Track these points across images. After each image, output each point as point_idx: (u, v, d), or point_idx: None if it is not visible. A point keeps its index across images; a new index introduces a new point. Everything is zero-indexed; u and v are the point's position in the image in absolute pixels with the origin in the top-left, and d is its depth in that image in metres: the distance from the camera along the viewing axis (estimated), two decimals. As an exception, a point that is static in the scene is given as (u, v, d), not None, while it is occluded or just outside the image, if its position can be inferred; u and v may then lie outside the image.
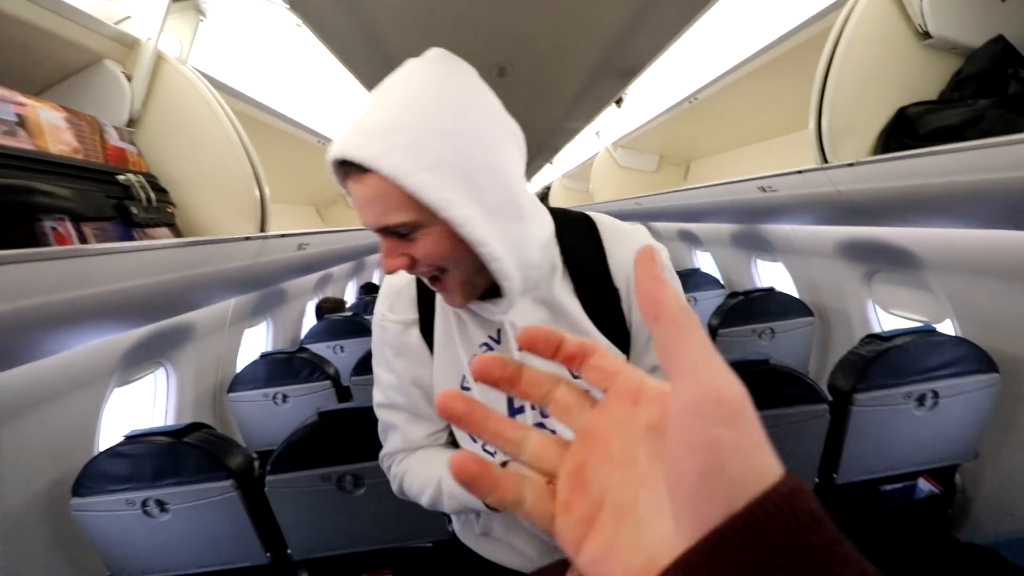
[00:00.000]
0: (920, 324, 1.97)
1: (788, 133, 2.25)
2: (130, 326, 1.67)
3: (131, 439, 1.83)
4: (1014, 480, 2.01)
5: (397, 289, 0.95)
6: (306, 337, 3.71)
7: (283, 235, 1.28)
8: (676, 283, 0.91)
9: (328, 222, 3.37)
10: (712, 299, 3.76)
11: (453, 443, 1.00)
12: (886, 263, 2.43)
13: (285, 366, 2.86)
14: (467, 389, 0.91)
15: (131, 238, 1.02)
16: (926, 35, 1.09)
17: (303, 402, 2.86)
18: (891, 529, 2.10)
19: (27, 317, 0.74)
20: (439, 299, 0.92)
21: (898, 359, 1.82)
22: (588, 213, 0.95)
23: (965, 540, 2.00)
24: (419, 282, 0.94)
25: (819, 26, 1.37)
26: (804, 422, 1.76)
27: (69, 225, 0.84)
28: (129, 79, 1.15)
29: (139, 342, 2.20)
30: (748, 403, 0.25)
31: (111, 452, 1.79)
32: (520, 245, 0.76)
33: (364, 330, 3.62)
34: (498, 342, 0.90)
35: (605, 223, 0.93)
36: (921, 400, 1.84)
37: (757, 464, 0.24)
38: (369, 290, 5.84)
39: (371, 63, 1.49)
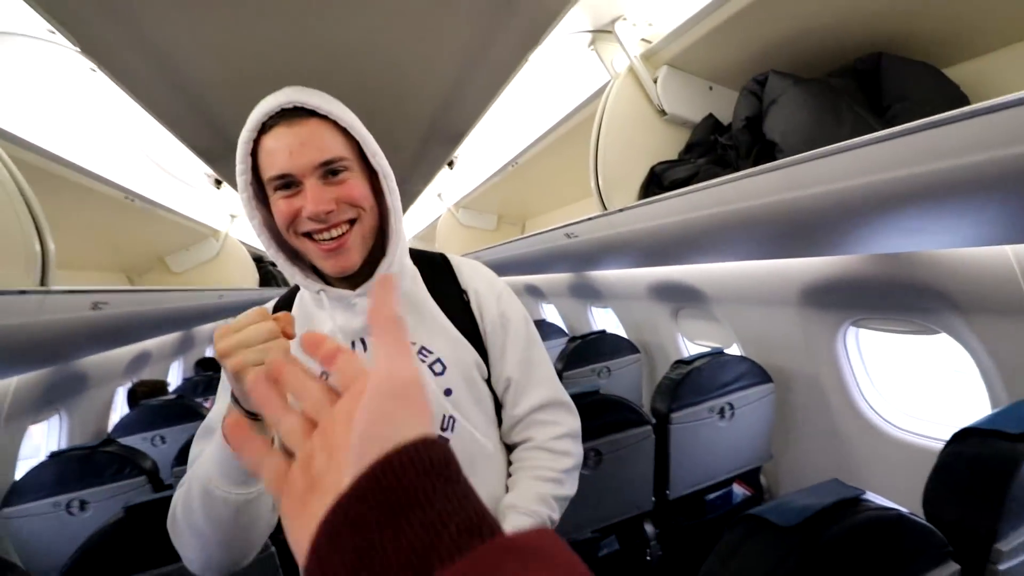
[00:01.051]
0: (712, 348, 2.36)
1: (583, 199, 2.63)
2: None
3: (54, 455, 1.48)
4: (799, 470, 2.44)
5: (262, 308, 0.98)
6: (115, 429, 3.14)
7: (71, 291, 1.12)
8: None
9: (143, 293, 2.99)
10: (558, 346, 4.06)
11: None
12: (685, 300, 2.90)
13: (82, 465, 2.37)
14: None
15: None
16: (663, 112, 1.46)
17: (108, 506, 2.37)
18: (717, 537, 2.39)
19: None
20: (296, 313, 0.96)
21: (699, 379, 2.15)
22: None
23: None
24: (276, 307, 1.01)
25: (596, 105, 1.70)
26: (634, 444, 1.97)
27: None
28: None
29: None
30: (414, 385, 0.36)
31: (39, 467, 1.62)
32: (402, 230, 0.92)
33: (192, 414, 3.17)
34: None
35: (454, 257, 1.12)
36: (722, 412, 2.17)
37: (403, 429, 0.33)
38: (206, 366, 5.16)
39: (187, 117, 1.45)
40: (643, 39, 1.41)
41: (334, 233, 0.85)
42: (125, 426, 3.15)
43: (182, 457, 2.45)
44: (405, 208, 5.71)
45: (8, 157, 1.02)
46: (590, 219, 1.45)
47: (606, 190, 1.35)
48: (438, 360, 0.97)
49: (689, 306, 2.91)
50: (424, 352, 0.97)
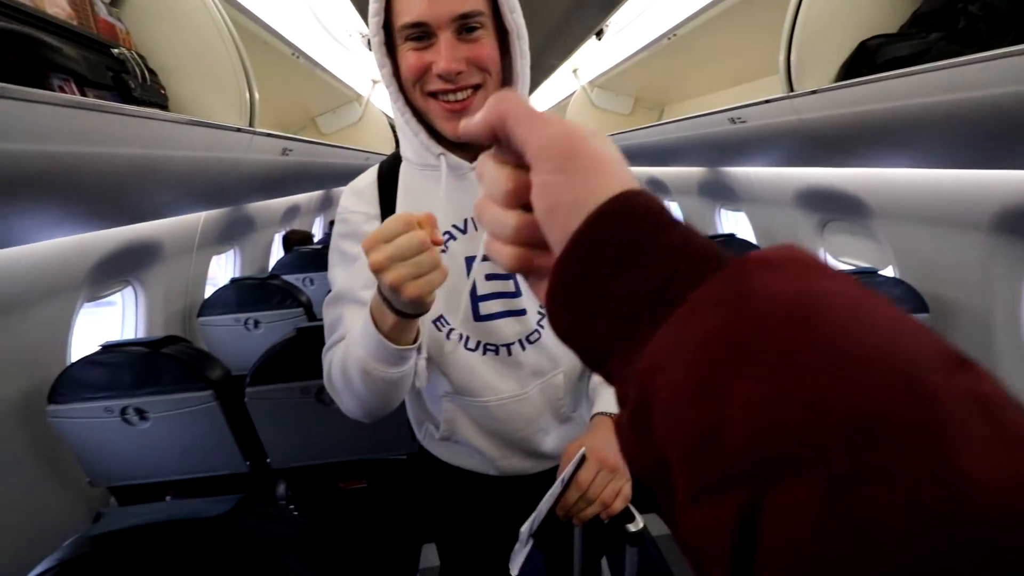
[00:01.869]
0: (862, 267, 2.14)
1: (759, 78, 2.31)
2: (106, 220, 1.62)
3: (107, 348, 1.84)
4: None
5: (360, 189, 0.99)
6: (275, 268, 3.66)
7: (271, 134, 1.27)
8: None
9: (298, 149, 3.28)
10: (677, 246, 3.90)
11: None
12: (839, 212, 2.59)
13: (257, 292, 2.85)
14: None
15: (128, 114, 1.01)
16: None
17: (275, 328, 2.86)
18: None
19: (17, 163, 0.73)
20: (401, 193, 0.96)
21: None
22: None
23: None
24: (380, 182, 0.98)
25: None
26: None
27: (74, 86, 0.84)
28: None
29: (107, 256, 2.16)
30: (579, 143, 0.32)
31: (88, 360, 1.79)
32: None
33: (335, 263, 3.60)
34: (463, 231, 0.94)
35: None
36: (855, 334, 2.02)
37: (592, 188, 0.31)
38: None
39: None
40: None
41: (459, 96, 0.82)
42: (283, 266, 3.66)
43: (330, 298, 2.83)
44: (533, 84, 5.45)
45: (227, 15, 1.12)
46: (768, 102, 1.28)
47: (798, 67, 1.16)
48: None
49: (842, 218, 2.61)
50: None
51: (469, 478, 1.08)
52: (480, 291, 0.94)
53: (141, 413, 1.84)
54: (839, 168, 2.15)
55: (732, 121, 1.53)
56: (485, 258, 0.90)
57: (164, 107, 1.14)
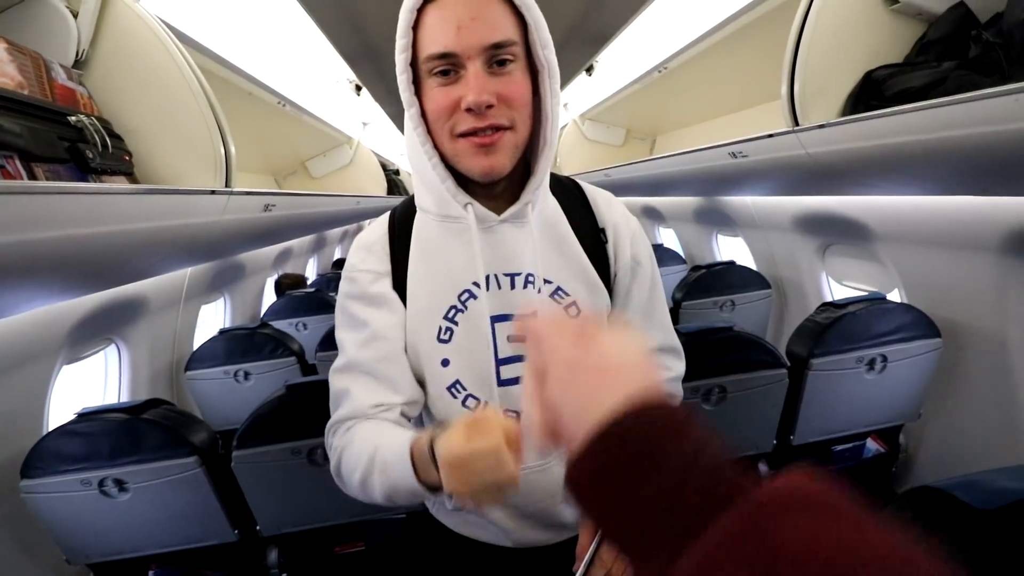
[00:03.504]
0: (871, 293, 2.08)
1: (752, 106, 2.30)
2: (80, 290, 1.56)
3: (84, 416, 1.75)
4: (952, 439, 2.17)
5: (369, 244, 0.93)
6: (266, 314, 3.58)
7: (249, 192, 1.21)
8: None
9: (288, 193, 3.24)
10: (675, 274, 3.86)
11: (408, 419, 0.93)
12: (839, 236, 2.55)
13: (246, 342, 2.76)
14: (444, 341, 0.87)
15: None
16: (893, 0, 1.13)
17: (266, 379, 2.77)
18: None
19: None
20: (415, 248, 0.90)
21: (851, 325, 1.92)
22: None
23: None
24: (392, 236, 0.92)
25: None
26: (764, 387, 1.84)
27: (18, 163, 0.77)
28: (75, 15, 1.04)
29: (88, 315, 2.07)
30: (578, 364, 0.41)
31: (62, 431, 1.71)
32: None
33: (327, 307, 3.53)
34: (486, 288, 0.87)
35: (586, 184, 1.00)
36: (871, 364, 1.95)
37: (588, 403, 0.38)
38: (338, 265, 5.69)
39: (340, 21, 1.42)
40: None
41: (488, 132, 0.75)
42: (275, 312, 3.59)
43: (323, 344, 2.75)
44: None
45: (197, 66, 1.07)
46: (771, 136, 1.23)
47: (802, 100, 1.12)
48: (573, 304, 0.89)
49: (843, 242, 2.56)
50: (560, 293, 0.89)
51: (481, 549, 1.00)
52: (502, 353, 0.87)
53: (120, 484, 1.73)
54: (843, 196, 2.11)
55: (733, 155, 1.49)
56: (507, 317, 0.87)
57: (129, 174, 1.08)
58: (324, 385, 1.73)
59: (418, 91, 0.78)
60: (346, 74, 2.01)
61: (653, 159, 2.16)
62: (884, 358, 1.96)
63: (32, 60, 0.90)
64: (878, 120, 0.95)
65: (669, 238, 4.91)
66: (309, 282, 4.55)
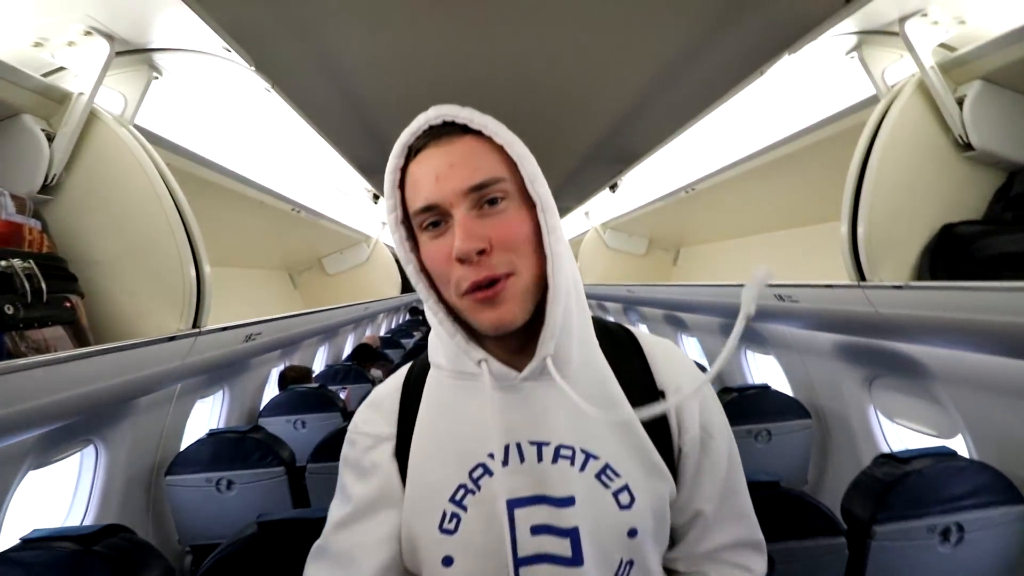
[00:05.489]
0: (937, 446, 1.80)
1: (784, 228, 2.19)
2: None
3: (29, 543, 1.54)
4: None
5: (379, 400, 0.82)
6: (264, 409, 3.40)
7: (224, 328, 1.09)
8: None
9: (301, 289, 3.17)
10: (701, 389, 3.59)
11: None
12: (889, 369, 2.31)
13: (234, 447, 2.55)
14: (449, 532, 0.70)
15: (0, 345, 0.81)
16: (967, 147, 1.01)
17: (250, 490, 2.53)
18: None
19: None
20: (424, 411, 0.78)
21: (919, 485, 1.64)
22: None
23: None
24: (405, 392, 0.81)
25: (837, 126, 1.31)
26: (819, 558, 1.54)
27: None
28: (51, 139, 0.98)
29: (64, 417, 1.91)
30: None
31: (3, 559, 1.50)
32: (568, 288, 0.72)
33: (330, 404, 3.35)
34: (505, 462, 0.71)
35: (642, 334, 0.85)
36: (945, 534, 1.64)
37: None
38: (360, 356, 5.45)
39: (351, 133, 1.39)
40: (943, 44, 1.01)
41: (487, 282, 0.66)
42: (273, 407, 3.41)
43: (318, 454, 2.52)
44: None
45: (171, 178, 0.99)
46: (831, 287, 1.08)
47: (869, 251, 0.97)
48: (625, 488, 0.71)
49: (892, 376, 2.32)
50: (608, 474, 0.71)
51: None
52: (522, 550, 0.68)
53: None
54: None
55: (779, 298, 1.33)
56: (536, 499, 0.70)
57: (70, 323, 0.96)
58: (300, 525, 1.52)
59: (418, 247, 0.72)
60: (364, 184, 1.99)
61: (685, 285, 2.02)
62: (960, 527, 1.64)
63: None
64: (980, 292, 0.78)
65: (692, 347, 4.68)
66: (315, 374, 4.38)
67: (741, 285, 1.55)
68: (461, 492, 0.71)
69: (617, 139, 1.80)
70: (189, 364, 1.10)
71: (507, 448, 0.71)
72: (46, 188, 0.98)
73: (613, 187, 2.15)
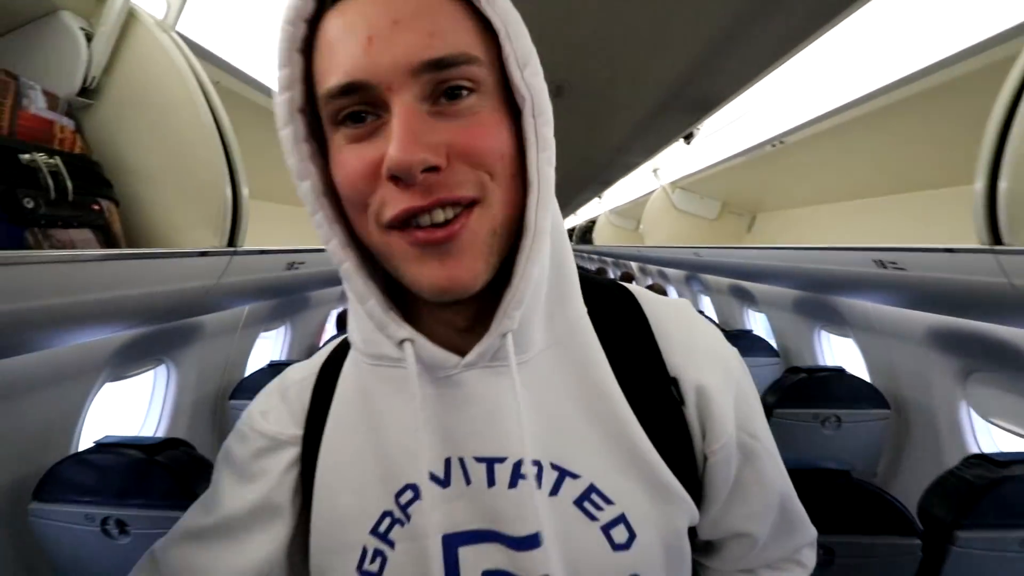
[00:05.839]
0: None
1: (889, 193, 1.92)
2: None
3: (102, 447, 1.69)
4: None
5: (285, 387, 0.61)
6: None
7: (262, 251, 1.06)
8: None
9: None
10: (763, 367, 3.37)
11: None
12: (991, 362, 2.03)
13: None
14: (371, 574, 0.51)
15: (20, 241, 0.80)
16: None
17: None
18: None
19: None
20: (336, 410, 0.57)
21: (1016, 493, 1.44)
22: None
23: None
24: (319, 381, 0.60)
25: (971, 63, 1.08)
26: (888, 558, 1.40)
27: None
28: (89, 39, 0.96)
29: (137, 337, 2.04)
30: None
31: (78, 458, 1.67)
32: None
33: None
34: (443, 483, 0.51)
35: (647, 296, 0.62)
36: (1041, 550, 1.44)
37: None
38: None
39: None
40: None
41: (438, 217, 0.43)
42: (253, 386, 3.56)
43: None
44: (607, 181, 5.19)
45: (214, 91, 0.95)
46: (951, 251, 0.90)
47: (1011, 208, 0.78)
48: (621, 520, 0.50)
49: (995, 371, 2.04)
50: (594, 500, 0.50)
51: None
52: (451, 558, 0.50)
53: (122, 526, 1.64)
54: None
55: (880, 264, 1.14)
56: (486, 535, 0.50)
57: (99, 226, 0.95)
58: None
59: (324, 151, 0.48)
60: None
61: (766, 248, 1.79)
62: (1063, 546, 1.44)
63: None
64: None
65: (759, 323, 4.39)
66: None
67: (851, 248, 1.35)
68: (386, 522, 0.52)
69: (696, 84, 1.62)
70: (226, 284, 1.09)
71: (448, 462, 0.51)
72: (86, 92, 0.98)
73: (688, 137, 1.96)
